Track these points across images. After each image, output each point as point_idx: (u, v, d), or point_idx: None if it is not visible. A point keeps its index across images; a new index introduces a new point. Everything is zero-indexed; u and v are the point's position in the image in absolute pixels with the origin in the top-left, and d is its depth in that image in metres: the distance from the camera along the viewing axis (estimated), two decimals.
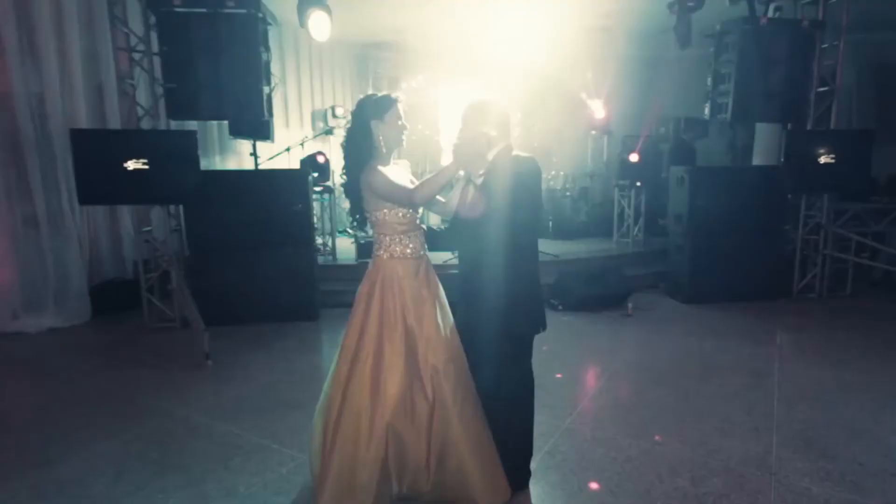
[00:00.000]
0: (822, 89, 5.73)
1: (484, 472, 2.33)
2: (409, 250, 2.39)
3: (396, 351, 2.30)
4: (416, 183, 2.38)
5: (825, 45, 5.65)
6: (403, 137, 2.42)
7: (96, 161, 4.53)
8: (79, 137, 4.56)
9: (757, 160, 7.09)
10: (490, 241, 2.23)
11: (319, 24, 5.18)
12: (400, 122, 2.38)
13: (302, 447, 2.90)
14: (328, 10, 5.18)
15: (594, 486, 2.63)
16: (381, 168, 2.35)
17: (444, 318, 2.42)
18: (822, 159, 5.57)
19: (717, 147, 8.74)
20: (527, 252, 2.34)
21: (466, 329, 2.44)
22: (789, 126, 5.92)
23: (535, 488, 2.59)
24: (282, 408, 3.46)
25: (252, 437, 3.09)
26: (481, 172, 2.25)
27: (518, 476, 2.48)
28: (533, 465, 2.67)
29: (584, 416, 3.35)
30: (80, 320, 5.31)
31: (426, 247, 2.50)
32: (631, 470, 2.77)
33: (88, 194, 4.66)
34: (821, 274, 5.97)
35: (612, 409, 3.52)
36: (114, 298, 5.63)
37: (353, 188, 2.39)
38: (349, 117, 2.47)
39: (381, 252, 2.41)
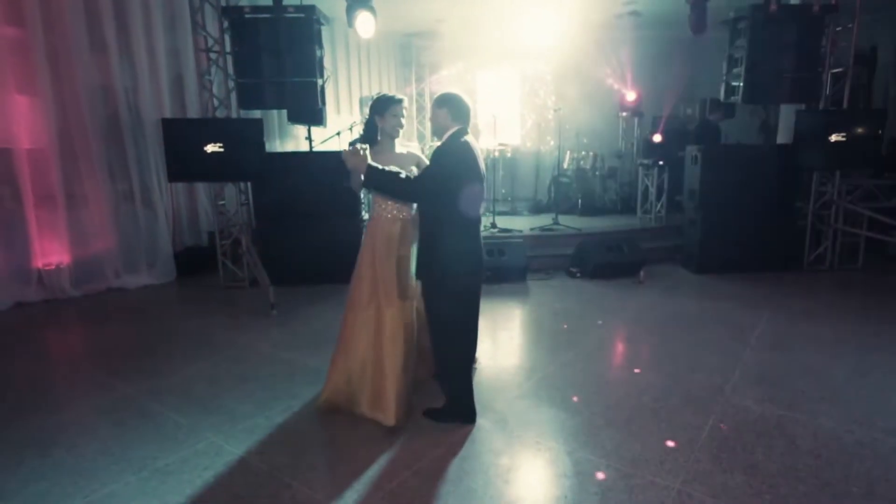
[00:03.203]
0: (836, 70, 6.01)
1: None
2: (389, 215, 3.09)
3: (368, 285, 3.10)
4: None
5: (839, 28, 5.92)
6: (399, 130, 3.09)
7: (182, 145, 5.46)
8: (169, 125, 5.51)
9: (781, 139, 7.36)
10: (420, 198, 2.91)
11: (365, 23, 5.93)
12: (394, 118, 3.04)
13: None
14: (373, 10, 5.91)
15: (573, 399, 3.30)
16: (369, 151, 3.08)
17: (401, 268, 3.08)
18: (834, 138, 5.89)
19: (749, 127, 8.98)
20: (444, 212, 2.80)
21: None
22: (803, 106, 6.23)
23: (524, 400, 3.30)
24: (328, 344, 4.23)
25: (306, 362, 3.94)
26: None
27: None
28: (528, 386, 3.40)
29: (578, 355, 4.00)
30: (168, 279, 6.36)
31: (411, 208, 3.15)
32: (606, 390, 3.43)
33: (175, 173, 5.61)
34: (832, 247, 6.30)
35: (604, 350, 4.17)
36: (193, 262, 6.65)
37: None
38: None
39: (372, 212, 3.15)
